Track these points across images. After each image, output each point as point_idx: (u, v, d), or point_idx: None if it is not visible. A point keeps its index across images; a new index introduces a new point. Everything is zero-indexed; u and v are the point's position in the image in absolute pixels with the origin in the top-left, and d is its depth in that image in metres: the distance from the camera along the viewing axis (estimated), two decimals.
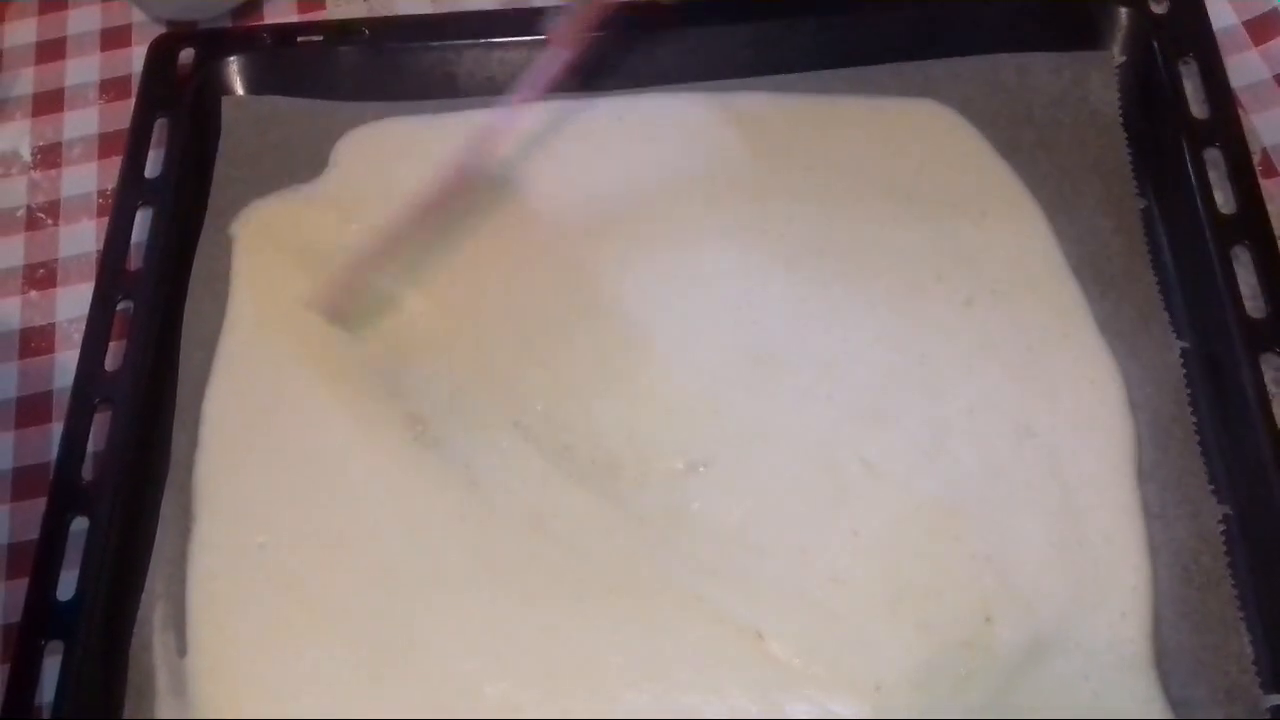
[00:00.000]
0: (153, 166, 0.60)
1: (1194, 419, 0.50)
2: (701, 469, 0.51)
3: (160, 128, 0.61)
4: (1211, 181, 0.54)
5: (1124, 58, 0.59)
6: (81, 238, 0.62)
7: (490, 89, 0.61)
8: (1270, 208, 0.53)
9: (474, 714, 0.47)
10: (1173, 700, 0.45)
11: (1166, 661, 0.46)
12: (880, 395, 0.52)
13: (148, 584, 0.50)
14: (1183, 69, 0.57)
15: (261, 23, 0.69)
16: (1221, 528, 0.48)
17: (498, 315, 0.55)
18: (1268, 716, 0.44)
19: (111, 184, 0.61)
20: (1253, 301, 0.51)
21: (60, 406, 0.55)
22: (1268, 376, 0.50)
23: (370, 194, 0.59)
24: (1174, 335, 0.52)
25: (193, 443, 0.53)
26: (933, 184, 0.57)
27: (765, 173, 0.58)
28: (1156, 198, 0.56)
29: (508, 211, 0.58)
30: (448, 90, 0.62)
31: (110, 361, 0.55)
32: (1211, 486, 0.49)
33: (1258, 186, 0.54)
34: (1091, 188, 0.56)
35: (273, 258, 0.58)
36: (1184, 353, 0.51)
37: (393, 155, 0.60)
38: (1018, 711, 0.45)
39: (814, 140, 0.58)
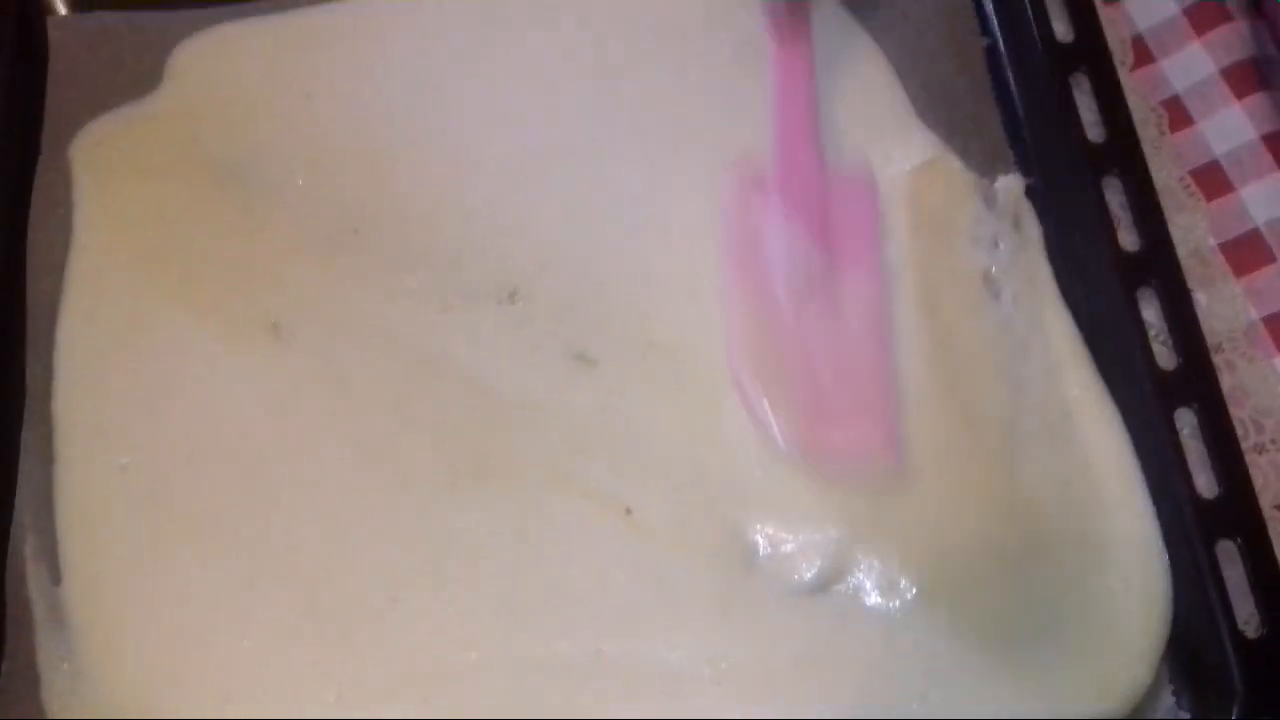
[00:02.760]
0: None
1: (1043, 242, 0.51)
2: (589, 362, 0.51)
3: None
4: (1050, 12, 0.54)
5: None
6: None
7: None
8: (1109, 33, 0.53)
9: (355, 608, 0.47)
10: None
11: None
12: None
13: (15, 517, 0.49)
14: None
15: None
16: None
17: (348, 216, 0.54)
18: None
19: None
20: (1095, 128, 0.52)
21: None
22: (1112, 201, 0.50)
23: (207, 104, 0.57)
24: (1019, 172, 0.52)
25: (49, 371, 0.52)
26: None
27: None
28: (1000, 34, 0.56)
29: (355, 113, 0.57)
30: None
31: None
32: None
33: (1095, 13, 0.53)
34: (935, 29, 0.55)
35: (114, 176, 0.56)
36: (1030, 188, 0.52)
37: (228, 63, 0.58)
38: None
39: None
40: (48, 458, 0.51)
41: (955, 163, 0.52)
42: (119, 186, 0.56)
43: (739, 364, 0.48)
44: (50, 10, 0.60)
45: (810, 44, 0.48)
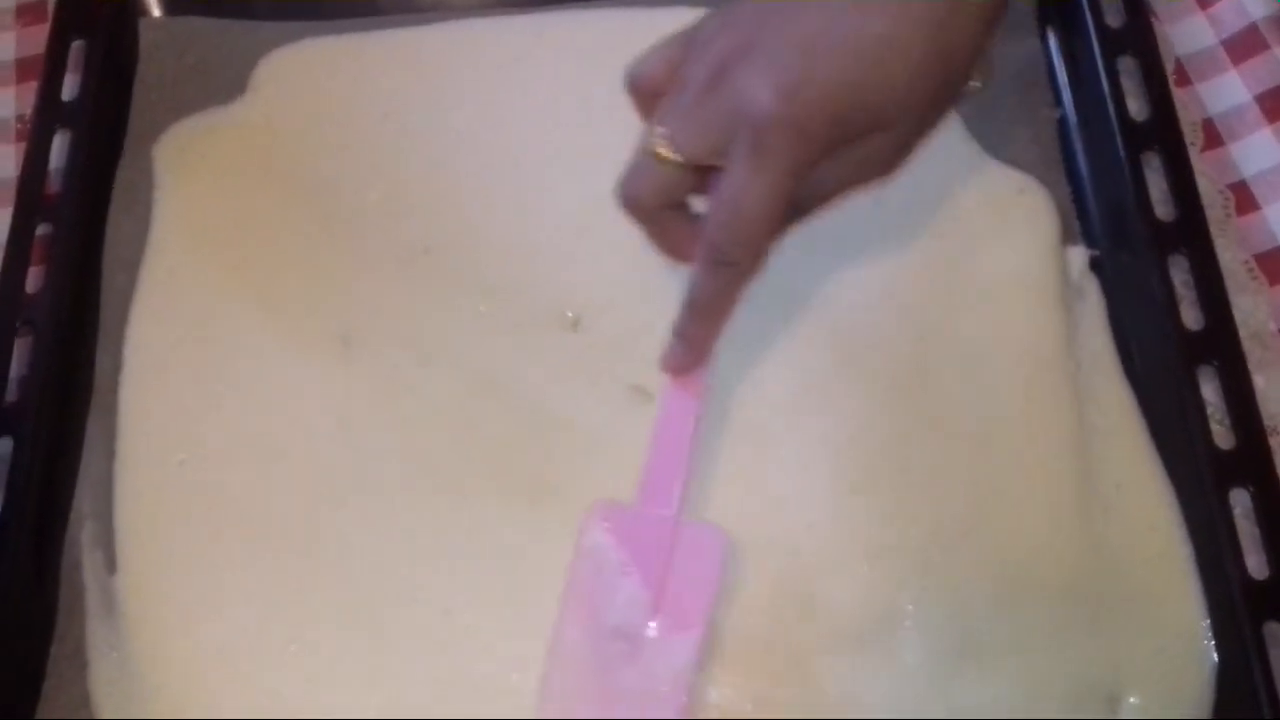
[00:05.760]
0: (71, 90, 0.59)
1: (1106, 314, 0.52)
2: (645, 395, 0.51)
3: (77, 51, 0.60)
4: (1125, 90, 0.55)
5: None
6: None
7: (410, 7, 0.61)
8: (1180, 114, 0.54)
9: (406, 619, 0.47)
10: None
11: None
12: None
13: (75, 504, 0.50)
14: None
15: None
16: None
17: (420, 237, 0.55)
18: None
19: (29, 109, 0.60)
20: (1163, 206, 0.52)
21: None
22: (1176, 279, 0.51)
23: (289, 117, 0.59)
24: (1084, 244, 0.53)
25: (117, 364, 0.53)
26: None
27: None
28: (1072, 107, 0.57)
29: (432, 136, 0.58)
30: (369, 9, 0.62)
31: (31, 285, 0.54)
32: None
33: (1170, 94, 0.54)
34: (1009, 100, 0.56)
35: (194, 178, 0.57)
36: (1095, 260, 0.53)
37: (312, 77, 0.60)
38: None
39: None
40: (110, 448, 0.52)
41: (1043, 193, 0.53)
42: (198, 189, 0.57)
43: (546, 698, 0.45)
44: (144, 11, 0.62)
45: (704, 385, 0.47)
